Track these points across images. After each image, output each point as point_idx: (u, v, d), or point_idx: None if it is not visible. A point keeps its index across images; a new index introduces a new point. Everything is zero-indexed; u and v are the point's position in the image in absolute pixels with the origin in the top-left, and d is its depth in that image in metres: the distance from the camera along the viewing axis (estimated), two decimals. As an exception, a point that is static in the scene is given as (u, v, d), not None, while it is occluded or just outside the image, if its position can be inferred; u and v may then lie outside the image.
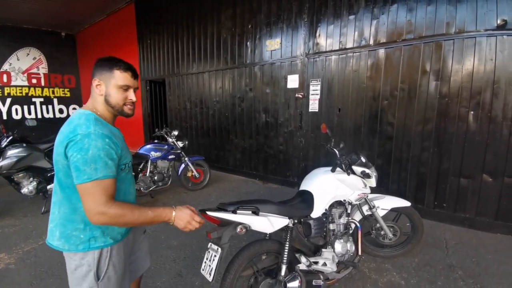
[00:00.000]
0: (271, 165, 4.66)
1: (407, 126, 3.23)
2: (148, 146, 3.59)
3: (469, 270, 2.19)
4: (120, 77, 1.07)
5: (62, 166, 0.99)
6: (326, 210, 1.86)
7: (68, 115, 9.99)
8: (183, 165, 3.99)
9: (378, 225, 2.25)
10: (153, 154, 3.53)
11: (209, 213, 1.44)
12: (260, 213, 1.53)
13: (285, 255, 1.58)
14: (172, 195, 4.02)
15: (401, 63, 3.21)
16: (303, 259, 1.67)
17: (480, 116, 2.78)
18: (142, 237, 1.38)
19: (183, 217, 1.07)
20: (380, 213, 2.17)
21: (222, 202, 1.56)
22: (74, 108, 10.18)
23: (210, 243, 1.50)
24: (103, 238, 1.05)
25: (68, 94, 10.08)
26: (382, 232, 2.26)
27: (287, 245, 1.62)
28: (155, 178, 3.51)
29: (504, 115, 2.65)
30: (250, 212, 1.51)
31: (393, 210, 2.21)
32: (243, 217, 1.47)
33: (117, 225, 1.01)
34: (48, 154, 3.72)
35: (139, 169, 3.49)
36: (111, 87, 1.07)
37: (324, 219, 1.87)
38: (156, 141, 3.77)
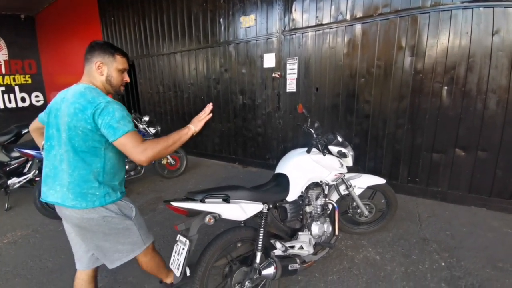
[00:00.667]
0: (250, 148, 4.56)
1: (383, 103, 3.22)
2: (116, 134, 3.33)
3: (444, 243, 2.25)
4: (120, 61, 1.28)
5: (82, 131, 1.14)
6: (302, 192, 1.81)
7: (31, 104, 9.27)
8: (157, 152, 3.77)
9: (354, 203, 2.25)
10: (123, 142, 3.29)
11: (174, 204, 1.32)
12: (231, 200, 1.44)
13: (260, 242, 1.52)
14: (147, 184, 3.84)
15: (378, 39, 3.13)
16: (278, 244, 1.62)
17: (454, 91, 2.79)
18: None
19: (196, 122, 1.31)
20: (357, 191, 2.16)
21: (191, 190, 1.44)
22: (37, 96, 9.42)
23: (178, 235, 1.40)
24: (115, 193, 1.27)
25: (30, 81, 9.27)
26: (359, 210, 2.27)
27: (261, 232, 1.55)
28: (126, 167, 3.29)
29: (479, 89, 2.67)
30: (221, 200, 1.41)
31: (369, 187, 2.22)
32: (212, 206, 1.37)
33: (162, 152, 1.16)
34: (6, 147, 3.40)
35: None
36: (113, 70, 1.27)
37: (301, 202, 1.81)
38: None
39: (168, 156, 3.87)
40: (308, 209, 1.83)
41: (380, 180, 2.20)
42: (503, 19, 2.47)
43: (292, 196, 1.74)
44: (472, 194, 2.87)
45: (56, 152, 1.19)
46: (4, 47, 8.41)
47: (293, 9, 3.66)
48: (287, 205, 1.73)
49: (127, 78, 1.35)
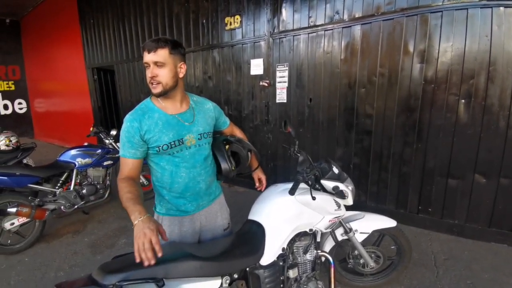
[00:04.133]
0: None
1: (388, 118, 2.74)
2: (73, 152, 2.80)
3: (467, 301, 1.76)
4: (144, 55, 1.09)
5: None
6: (284, 249, 1.30)
7: (14, 111, 8.78)
8: (126, 172, 3.25)
9: (356, 251, 1.74)
10: (80, 161, 2.76)
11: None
12: (167, 282, 0.93)
13: None
14: (114, 209, 3.29)
15: (380, 43, 2.67)
16: None
17: (472, 105, 2.32)
18: (223, 233, 1.42)
19: (137, 231, 0.90)
20: (359, 237, 1.65)
21: (102, 266, 0.94)
22: (20, 103, 8.92)
23: None
24: (159, 206, 1.29)
25: (13, 87, 8.85)
26: (362, 261, 1.75)
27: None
28: (83, 191, 2.76)
29: (501, 104, 2.20)
30: (151, 284, 0.90)
31: (375, 231, 1.71)
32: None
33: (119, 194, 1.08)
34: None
35: (59, 183, 2.73)
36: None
37: (282, 263, 1.31)
38: (86, 143, 3.00)
39: (140, 175, 3.34)
40: (291, 273, 1.32)
41: (389, 223, 1.69)
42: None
43: (269, 257, 1.24)
44: (492, 228, 2.37)
45: None
46: (-12, 52, 8.05)
47: (282, 9, 3.21)
48: (261, 272, 1.22)
49: (149, 73, 1.09)
